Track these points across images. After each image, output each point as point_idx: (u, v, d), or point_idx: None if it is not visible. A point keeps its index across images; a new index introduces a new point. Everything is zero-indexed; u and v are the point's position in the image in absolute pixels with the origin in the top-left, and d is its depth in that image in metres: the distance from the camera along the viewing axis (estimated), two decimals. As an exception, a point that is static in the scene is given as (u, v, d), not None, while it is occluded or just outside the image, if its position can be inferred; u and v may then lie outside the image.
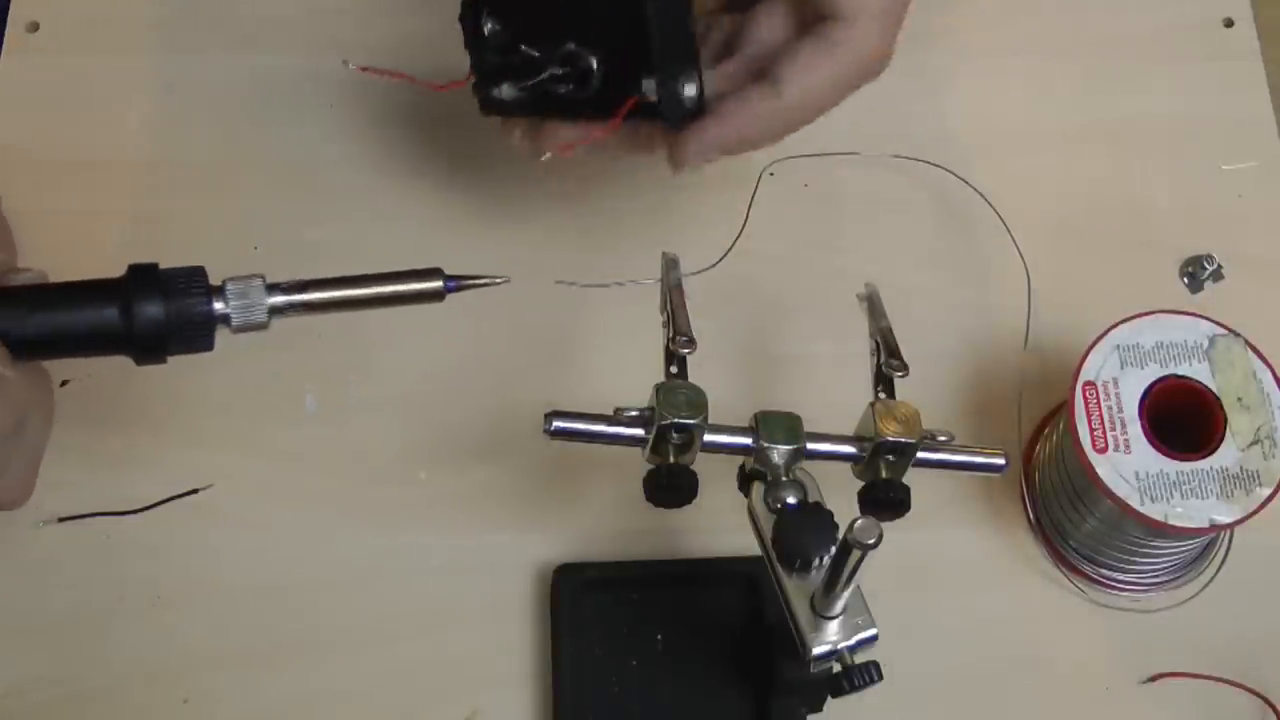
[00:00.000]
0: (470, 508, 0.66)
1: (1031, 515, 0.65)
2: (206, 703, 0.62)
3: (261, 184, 0.72)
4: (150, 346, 0.51)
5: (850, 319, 0.62)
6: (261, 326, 0.52)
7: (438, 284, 0.53)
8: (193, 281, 0.51)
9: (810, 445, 0.56)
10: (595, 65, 0.58)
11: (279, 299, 0.52)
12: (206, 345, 0.52)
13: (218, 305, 0.51)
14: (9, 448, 0.53)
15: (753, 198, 0.70)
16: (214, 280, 0.52)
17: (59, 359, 0.52)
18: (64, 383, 0.67)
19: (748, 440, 0.55)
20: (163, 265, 0.52)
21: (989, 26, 0.77)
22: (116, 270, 0.52)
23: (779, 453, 0.55)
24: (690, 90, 0.57)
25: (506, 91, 0.59)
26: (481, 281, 0.55)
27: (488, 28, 0.59)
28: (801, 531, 0.52)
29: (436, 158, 0.73)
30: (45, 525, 0.65)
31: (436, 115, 0.74)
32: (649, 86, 0.57)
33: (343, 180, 0.72)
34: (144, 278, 0.51)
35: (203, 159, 0.73)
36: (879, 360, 0.58)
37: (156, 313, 0.50)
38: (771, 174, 0.71)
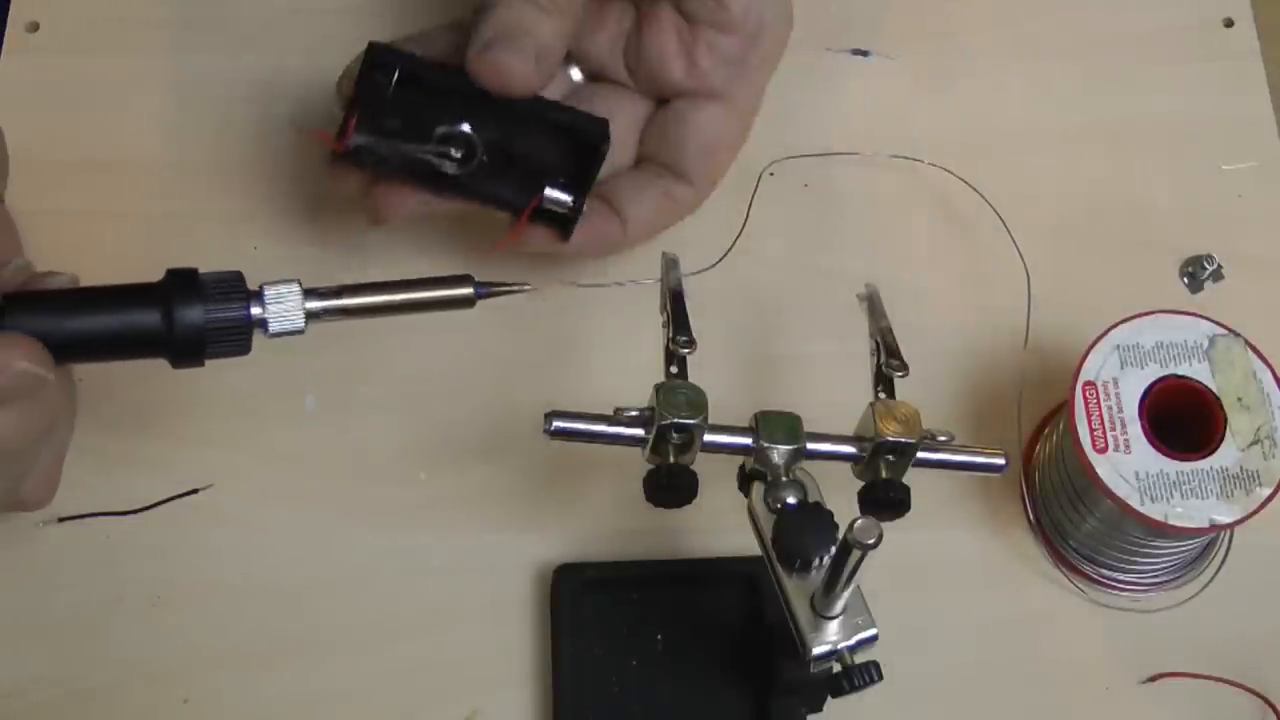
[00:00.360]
0: (470, 508, 0.66)
1: (1031, 515, 0.65)
2: (206, 703, 0.62)
3: (261, 184, 0.72)
4: (189, 350, 0.51)
5: (850, 319, 0.62)
6: (298, 331, 0.53)
7: (469, 290, 0.55)
8: (232, 287, 0.52)
9: (810, 445, 0.56)
10: (480, 154, 0.61)
11: (316, 304, 0.53)
12: (244, 349, 0.52)
13: (255, 310, 0.52)
14: (39, 451, 0.53)
15: (752, 198, 0.70)
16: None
17: (97, 363, 0.52)
18: (68, 382, 0.67)
19: (748, 440, 0.55)
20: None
21: (989, 26, 0.77)
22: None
23: (779, 453, 0.55)
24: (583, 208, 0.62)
25: (376, 146, 0.60)
26: (509, 288, 0.56)
27: (390, 89, 0.60)
28: (801, 531, 0.52)
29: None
30: (45, 525, 0.65)
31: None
32: (558, 199, 0.62)
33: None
34: (184, 282, 0.51)
35: (203, 159, 0.73)
36: (879, 360, 0.58)
37: (197, 317, 0.51)
38: (771, 174, 0.71)
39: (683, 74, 0.64)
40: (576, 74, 0.63)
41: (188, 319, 0.50)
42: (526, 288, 0.58)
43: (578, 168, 0.62)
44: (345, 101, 0.60)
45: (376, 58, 0.59)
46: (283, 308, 0.52)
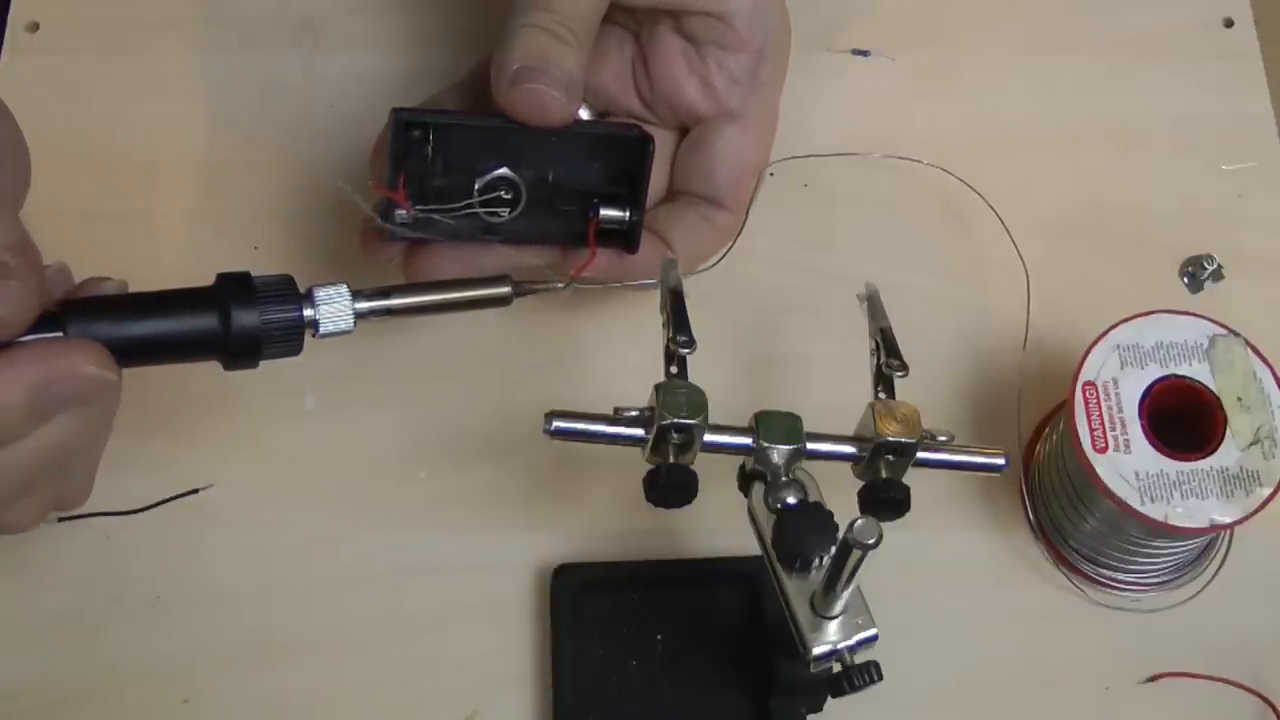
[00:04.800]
0: (470, 507, 0.66)
1: (1031, 515, 0.65)
2: (206, 703, 0.62)
3: (262, 184, 0.72)
4: (245, 351, 0.52)
5: (850, 319, 0.62)
6: (348, 331, 0.54)
7: (507, 289, 0.57)
8: (284, 289, 0.53)
9: (810, 445, 0.56)
10: (524, 195, 0.60)
11: (364, 305, 0.54)
12: (296, 350, 0.54)
13: (308, 311, 0.53)
14: (93, 453, 0.54)
15: (752, 198, 0.70)
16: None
17: (156, 365, 0.53)
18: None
19: (748, 440, 0.55)
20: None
21: (989, 26, 0.76)
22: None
23: (779, 453, 0.55)
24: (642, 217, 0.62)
25: (412, 215, 0.60)
26: (542, 286, 0.58)
27: (428, 150, 0.59)
28: (801, 531, 0.52)
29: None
30: (45, 525, 0.64)
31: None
32: (613, 215, 0.61)
33: (343, 181, 0.72)
34: (238, 285, 0.52)
35: (203, 159, 0.73)
36: (879, 360, 0.58)
37: (252, 319, 0.52)
38: (771, 174, 0.71)
39: (699, 96, 0.64)
40: (585, 112, 0.62)
41: (244, 321, 0.52)
42: (558, 285, 0.59)
43: (625, 182, 0.61)
44: (382, 176, 0.59)
45: (406, 118, 0.58)
46: (333, 309, 0.54)
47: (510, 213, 0.60)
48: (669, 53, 0.63)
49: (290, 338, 0.53)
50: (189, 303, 0.52)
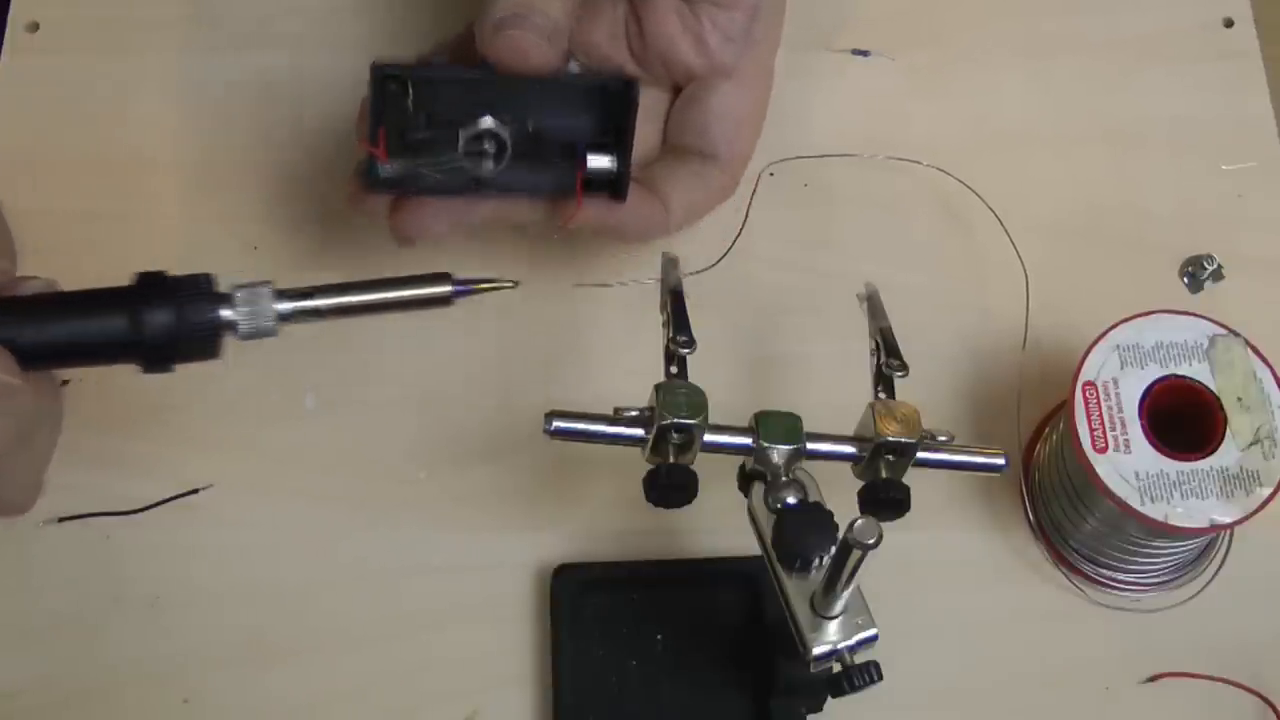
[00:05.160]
0: (470, 508, 0.66)
1: (1031, 515, 0.65)
2: (206, 703, 0.62)
3: (261, 184, 0.72)
4: (159, 355, 0.51)
5: (850, 319, 0.62)
6: (270, 333, 0.52)
7: (446, 289, 0.53)
8: (201, 290, 0.51)
9: (810, 445, 0.56)
10: (509, 146, 0.59)
11: (287, 306, 0.52)
12: (213, 353, 0.52)
13: (225, 313, 0.51)
14: (16, 458, 0.53)
15: (752, 198, 0.70)
16: (222, 286, 0.52)
17: (66, 368, 0.52)
18: (64, 383, 0.67)
19: (748, 440, 0.55)
20: (166, 266, 0.53)
21: (989, 26, 0.76)
22: (118, 271, 0.52)
23: (779, 453, 0.55)
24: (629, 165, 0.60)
25: (408, 166, 0.59)
26: (490, 286, 0.55)
27: (409, 104, 0.58)
28: (801, 531, 0.52)
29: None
30: (45, 525, 0.65)
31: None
32: (601, 164, 0.60)
33: (343, 180, 0.72)
34: (153, 286, 0.51)
35: (203, 159, 0.73)
36: (879, 360, 0.58)
37: (166, 321, 0.50)
38: (771, 174, 0.71)
39: (692, 53, 0.63)
40: (575, 67, 0.63)
41: (157, 324, 0.50)
42: (508, 284, 0.56)
43: (612, 131, 0.60)
44: (365, 130, 0.58)
45: (384, 72, 0.58)
46: (253, 311, 0.51)
47: (496, 165, 0.59)
48: (662, 10, 0.63)
49: (206, 341, 0.51)
50: (101, 304, 0.50)
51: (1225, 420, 0.58)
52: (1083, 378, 0.60)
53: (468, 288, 0.54)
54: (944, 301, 0.70)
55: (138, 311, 0.50)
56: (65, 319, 0.51)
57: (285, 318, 0.52)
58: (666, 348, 0.57)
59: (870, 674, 0.52)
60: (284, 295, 0.52)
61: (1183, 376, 0.59)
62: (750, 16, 0.64)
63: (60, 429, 0.56)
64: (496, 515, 0.65)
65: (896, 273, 0.67)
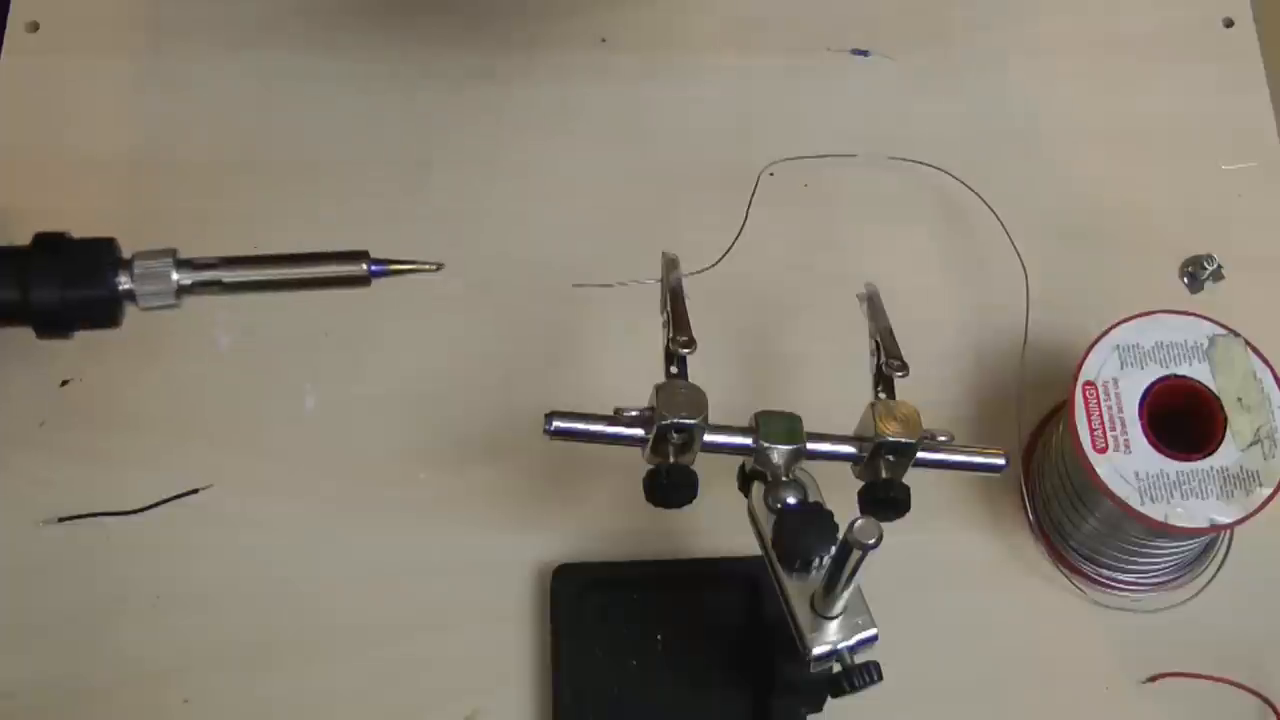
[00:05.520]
0: (470, 508, 0.66)
1: (1031, 515, 0.65)
2: (206, 703, 0.62)
3: (261, 184, 0.72)
4: (49, 322, 0.48)
5: (850, 319, 0.62)
6: (171, 306, 0.49)
7: (362, 268, 0.51)
8: (98, 256, 0.48)
9: (810, 445, 0.56)
10: None
11: (188, 277, 0.49)
12: (111, 322, 0.49)
13: (122, 281, 0.49)
14: None
15: (752, 198, 0.70)
16: (127, 254, 0.50)
17: None
18: (64, 383, 0.67)
19: (748, 440, 0.55)
20: None
21: (989, 26, 0.77)
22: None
23: (779, 453, 0.55)
24: None
25: None
26: (410, 267, 0.52)
27: None
28: (801, 531, 0.52)
29: (438, 158, 0.73)
30: (45, 525, 0.65)
31: (438, 117, 0.74)
32: None
33: (343, 180, 0.72)
34: (47, 248, 0.48)
35: (203, 159, 0.73)
36: (879, 360, 0.58)
37: (54, 287, 0.48)
38: (771, 174, 0.71)
39: None
40: None
41: (45, 288, 0.47)
42: (428, 267, 0.53)
43: None
44: None
45: None
46: (151, 280, 0.49)
47: None
48: None
49: (100, 309, 0.48)
50: None
51: (1225, 420, 0.58)
52: (1083, 378, 0.60)
53: (385, 268, 0.51)
54: (944, 301, 0.70)
55: (27, 275, 0.47)
56: None
57: (186, 289, 0.49)
58: (666, 348, 0.57)
59: (870, 674, 0.52)
60: (186, 265, 0.49)
61: (1183, 376, 0.59)
62: None
63: None
64: (496, 515, 0.65)
65: (897, 273, 0.67)
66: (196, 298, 0.50)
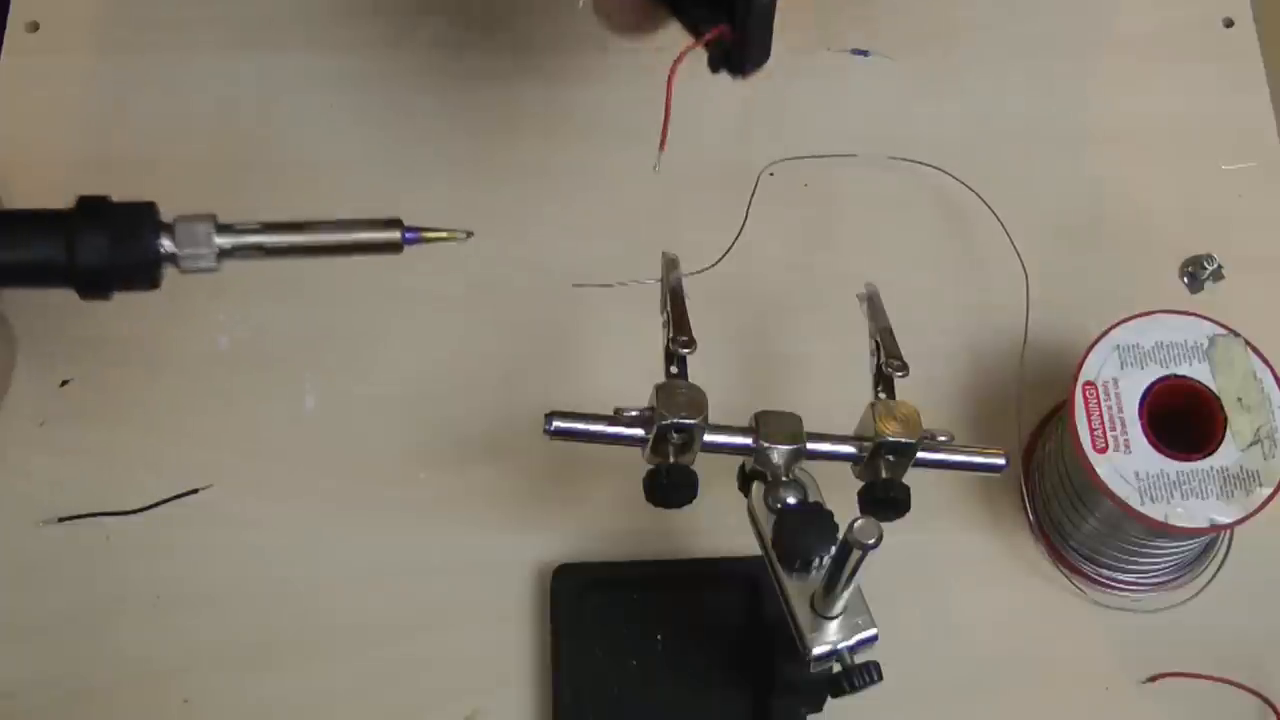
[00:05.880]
0: (470, 508, 0.66)
1: (1031, 515, 0.65)
2: (206, 703, 0.62)
3: (261, 184, 0.72)
4: (93, 282, 0.49)
5: (850, 319, 0.62)
6: (211, 269, 0.50)
7: (396, 235, 0.52)
8: (141, 217, 0.49)
9: (810, 445, 0.56)
10: None
11: (229, 240, 0.50)
12: (152, 283, 0.50)
13: (165, 243, 0.49)
14: None
15: (752, 198, 0.70)
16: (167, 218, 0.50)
17: (1, 288, 0.50)
18: (64, 382, 0.67)
19: (748, 440, 0.55)
20: None
21: (989, 26, 0.76)
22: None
23: (779, 453, 0.55)
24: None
25: None
26: (442, 235, 0.52)
27: None
28: (801, 531, 0.52)
29: (437, 159, 0.73)
30: (45, 525, 0.65)
31: (438, 118, 0.74)
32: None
33: (343, 180, 0.72)
34: (91, 210, 0.49)
35: (203, 159, 0.73)
36: (879, 360, 0.58)
37: (101, 246, 0.48)
38: (771, 174, 0.71)
39: None
40: None
41: (91, 249, 0.48)
42: (460, 235, 0.53)
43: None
44: None
45: None
46: (194, 243, 0.49)
47: None
48: None
49: (143, 271, 0.49)
50: (38, 226, 0.49)
51: (1225, 420, 0.58)
52: (1083, 378, 0.60)
53: (418, 235, 0.52)
54: (944, 301, 0.70)
55: (73, 235, 0.48)
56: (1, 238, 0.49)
57: (226, 253, 0.50)
58: (666, 348, 0.57)
59: (870, 674, 0.52)
60: (227, 230, 0.50)
61: (1183, 376, 0.59)
62: None
63: (11, 377, 0.53)
64: (496, 515, 0.65)
65: (897, 272, 0.67)
66: (235, 262, 0.51)
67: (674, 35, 0.54)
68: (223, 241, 0.50)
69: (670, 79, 0.55)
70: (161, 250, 0.49)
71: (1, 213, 0.50)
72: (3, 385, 0.52)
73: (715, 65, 0.55)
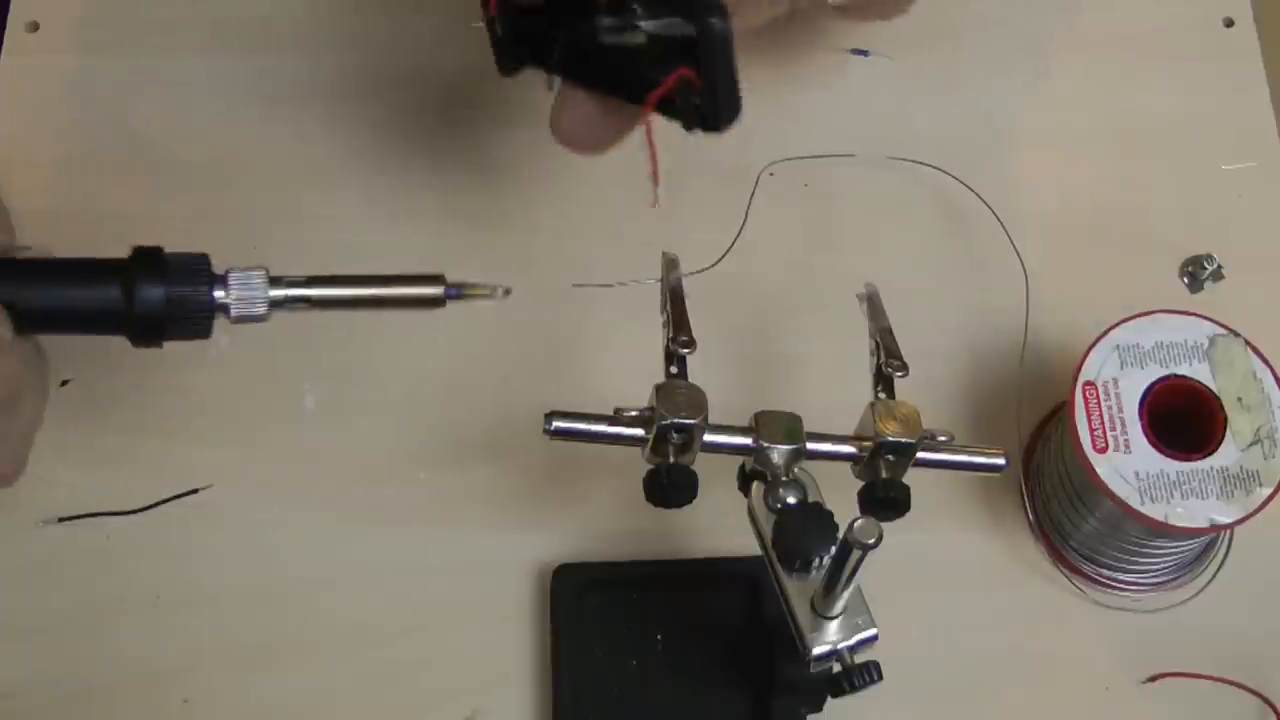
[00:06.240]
0: (470, 508, 0.66)
1: (1031, 515, 0.65)
2: (206, 703, 0.62)
3: (261, 184, 0.72)
4: (148, 329, 0.51)
5: (850, 319, 0.62)
6: (260, 319, 0.52)
7: (438, 290, 0.54)
8: (196, 268, 0.51)
9: (810, 445, 0.56)
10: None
11: (279, 292, 0.52)
12: (204, 333, 0.52)
13: (218, 294, 0.51)
14: (3, 420, 0.53)
15: (752, 198, 0.70)
16: (217, 269, 0.52)
17: (57, 334, 0.52)
18: (64, 382, 0.67)
19: (748, 440, 0.55)
20: None
21: (989, 26, 0.76)
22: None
23: (779, 453, 0.55)
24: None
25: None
26: (482, 291, 0.54)
27: None
28: (801, 531, 0.52)
29: (437, 158, 0.73)
30: (45, 525, 0.65)
31: (437, 116, 0.74)
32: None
33: (343, 180, 0.72)
34: (148, 260, 0.51)
35: (203, 159, 0.73)
36: (879, 360, 0.58)
37: (157, 296, 0.50)
38: (771, 174, 0.71)
39: None
40: None
41: (148, 298, 0.50)
42: (500, 293, 0.54)
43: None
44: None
45: None
46: (246, 294, 0.52)
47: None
48: None
49: (197, 320, 0.51)
50: (96, 273, 0.51)
51: (1225, 420, 0.58)
52: (1083, 378, 0.60)
53: (459, 291, 0.54)
54: (944, 301, 0.70)
55: (132, 284, 0.50)
56: (59, 285, 0.51)
57: (277, 304, 0.52)
58: (666, 348, 0.57)
59: (870, 674, 0.52)
60: (279, 281, 0.52)
61: (1183, 376, 0.59)
62: None
63: (46, 402, 0.55)
64: (496, 515, 0.65)
65: (896, 273, 0.67)
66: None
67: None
68: (275, 294, 0.52)
69: (648, 133, 0.57)
70: (216, 301, 0.51)
71: (61, 261, 0.52)
72: (37, 411, 0.54)
73: (689, 124, 0.57)
